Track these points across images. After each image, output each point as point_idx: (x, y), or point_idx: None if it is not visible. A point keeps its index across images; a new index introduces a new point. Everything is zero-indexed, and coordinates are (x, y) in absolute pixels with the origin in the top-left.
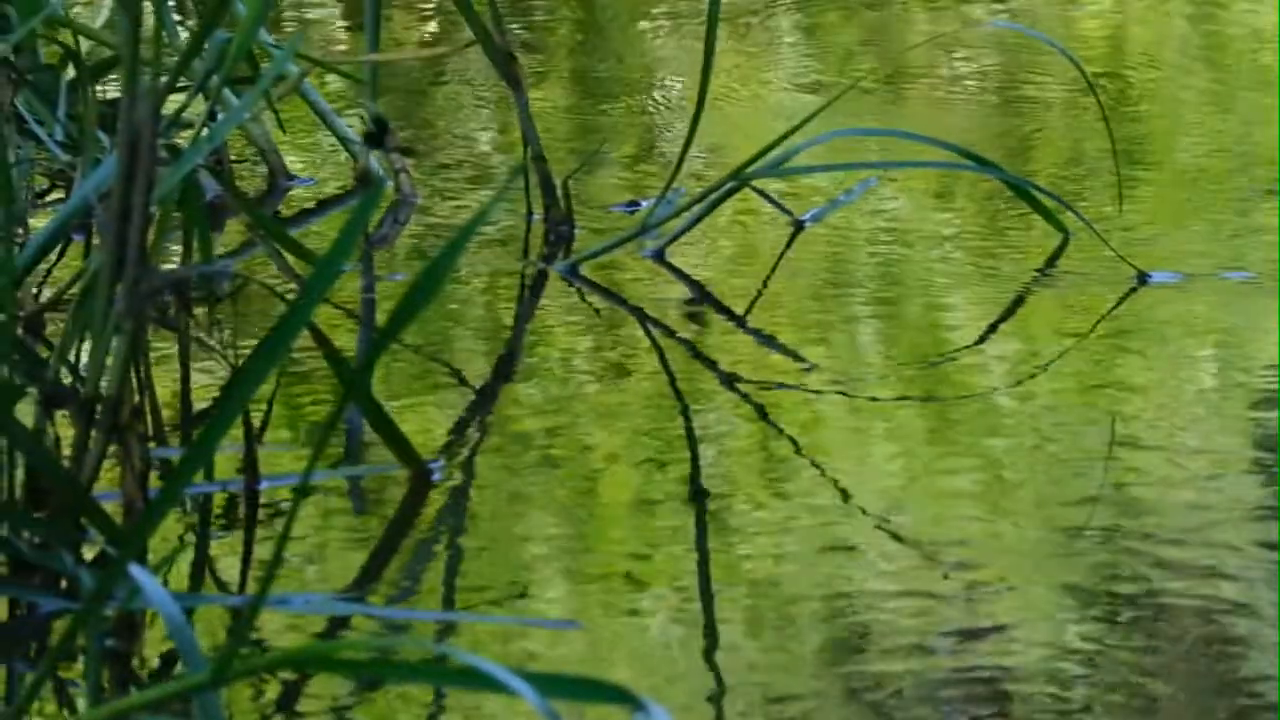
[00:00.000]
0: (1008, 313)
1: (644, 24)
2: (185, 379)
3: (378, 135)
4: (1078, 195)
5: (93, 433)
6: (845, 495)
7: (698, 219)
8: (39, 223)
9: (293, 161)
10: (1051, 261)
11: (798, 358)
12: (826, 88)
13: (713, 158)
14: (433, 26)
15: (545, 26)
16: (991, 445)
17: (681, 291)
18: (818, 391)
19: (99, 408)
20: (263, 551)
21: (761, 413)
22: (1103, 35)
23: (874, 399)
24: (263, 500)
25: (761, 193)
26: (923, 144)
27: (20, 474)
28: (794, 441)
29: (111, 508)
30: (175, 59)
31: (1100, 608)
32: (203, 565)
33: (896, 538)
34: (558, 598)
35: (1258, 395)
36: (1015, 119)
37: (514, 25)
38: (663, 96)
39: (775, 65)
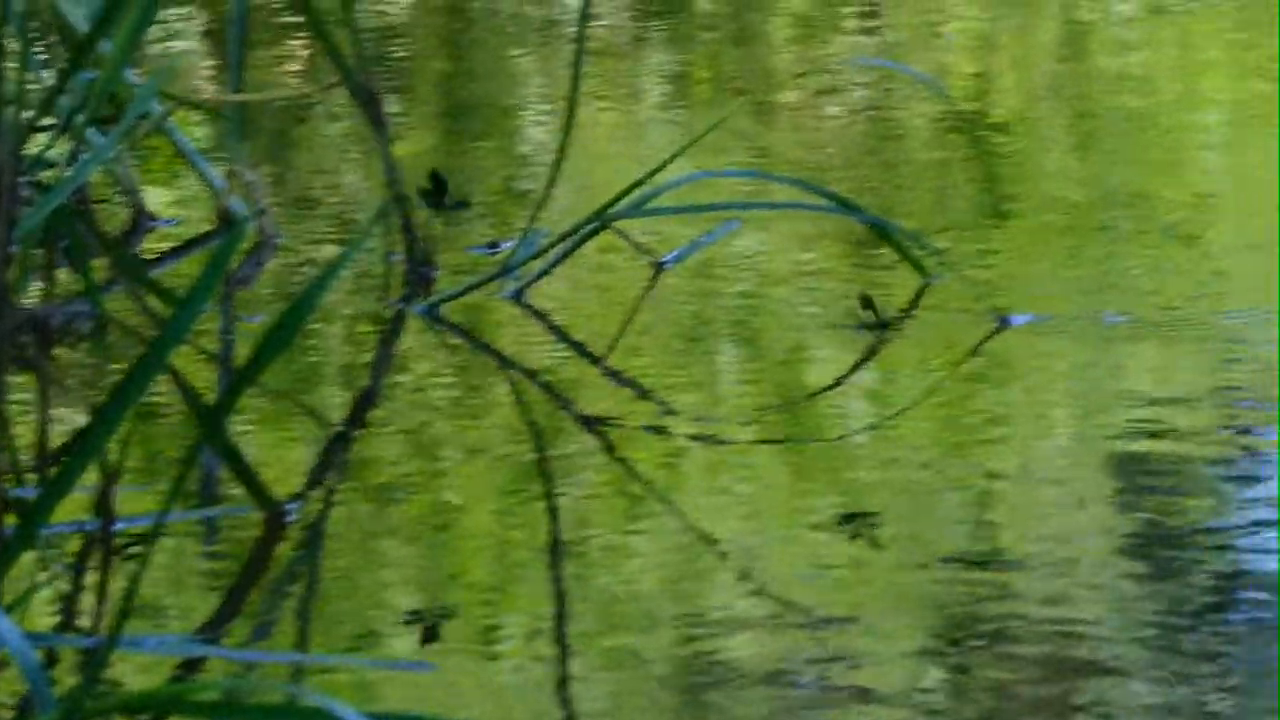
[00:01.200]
0: (868, 354)
1: (511, 64)
2: (44, 419)
3: (435, 192)
4: (941, 237)
5: None
6: (703, 536)
7: (558, 261)
8: None
9: (156, 201)
10: (913, 303)
11: (657, 400)
12: (693, 127)
13: (578, 197)
14: (298, 66)
15: (412, 66)
16: (852, 485)
17: (542, 332)
18: (678, 433)
19: None
20: (119, 591)
21: (619, 455)
22: (970, 75)
23: (733, 441)
24: (119, 540)
25: (623, 234)
26: (787, 185)
27: None
28: (652, 483)
29: None
30: (39, 98)
31: (959, 644)
32: (58, 605)
33: (754, 579)
34: (412, 639)
35: (1116, 434)
36: (881, 158)
37: (380, 65)
38: (529, 136)
39: (643, 105)
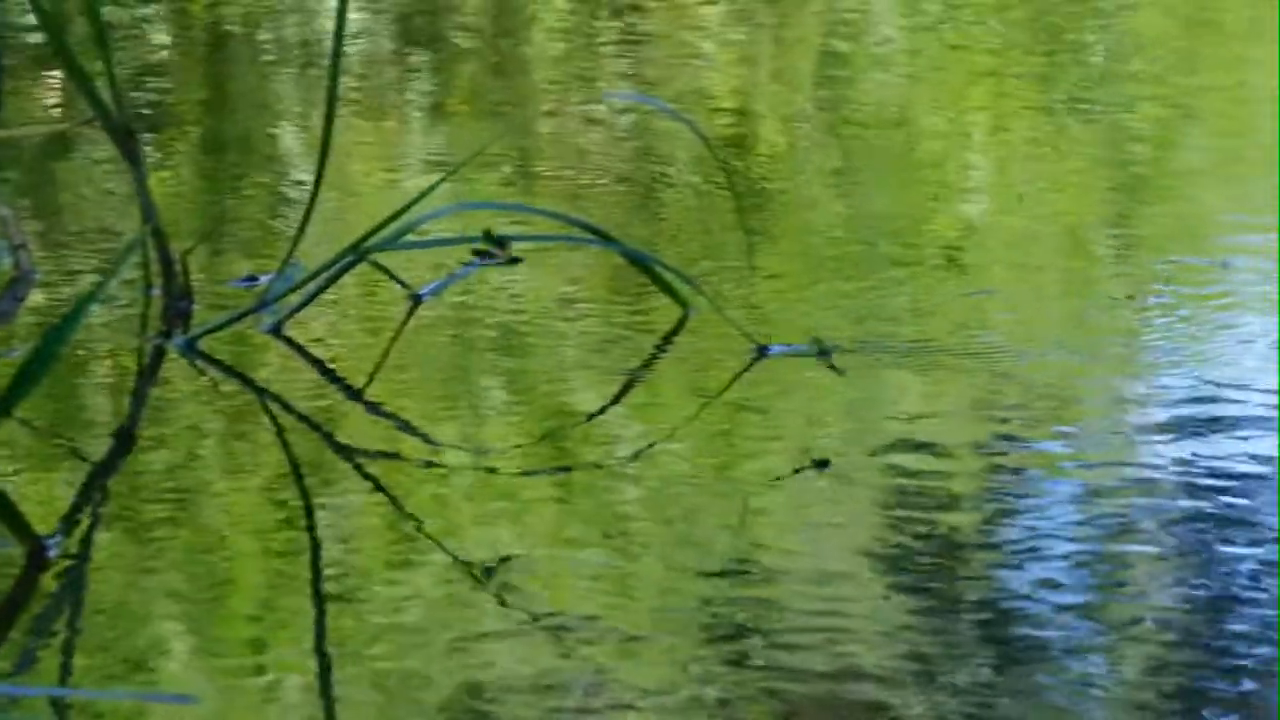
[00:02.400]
0: (629, 385)
1: (273, 96)
2: None
3: (496, 245)
4: (702, 269)
5: None
6: (468, 567)
7: (316, 293)
8: None
9: None
10: (673, 334)
11: (418, 432)
12: (452, 158)
13: (339, 230)
14: (56, 100)
15: (172, 100)
16: (615, 515)
17: (302, 366)
18: (439, 465)
19: None
20: None
21: (382, 488)
22: (733, 107)
23: (496, 470)
24: None
25: (380, 266)
26: (546, 218)
27: None
28: (415, 516)
29: None
30: None
31: (726, 671)
32: None
33: (521, 609)
34: (178, 672)
35: (876, 463)
36: (643, 192)
37: (138, 99)
38: (289, 170)
39: (406, 138)
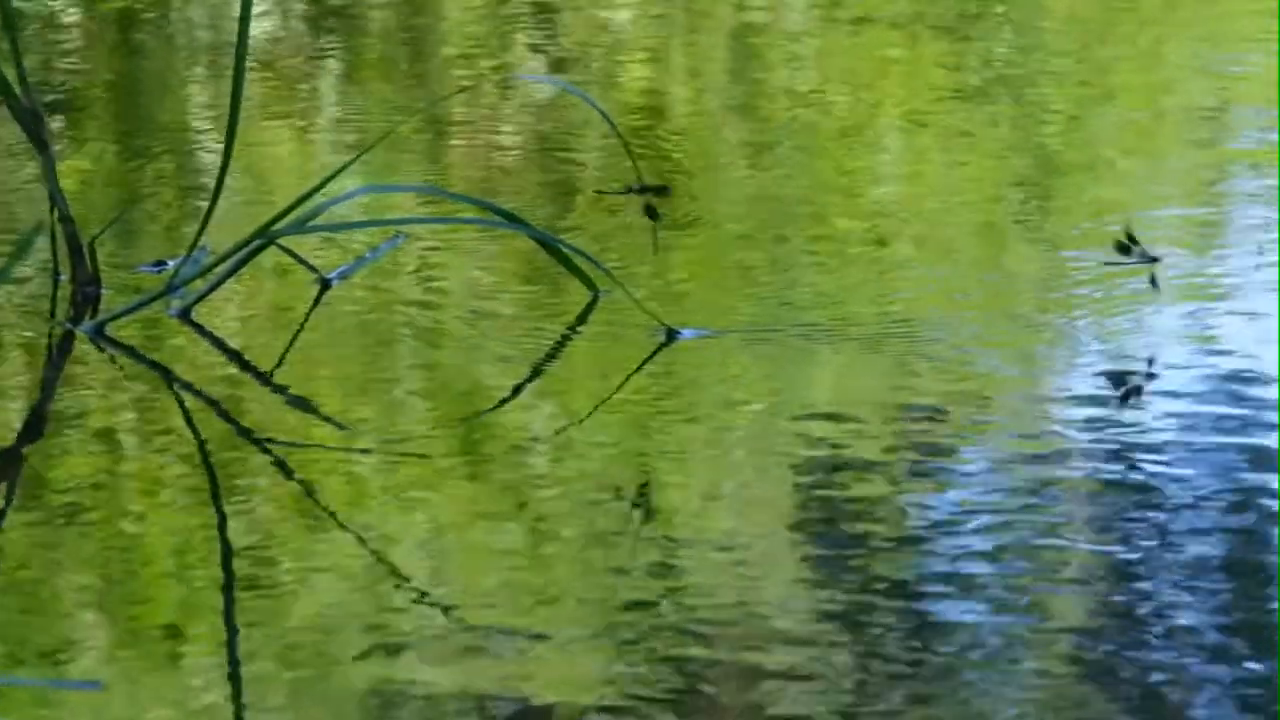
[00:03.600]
0: (538, 369)
1: (184, 83)
2: None
3: (1128, 245)
4: (612, 251)
5: None
6: (380, 558)
7: (224, 278)
8: None
9: None
10: (583, 318)
11: (328, 418)
12: (366, 141)
13: (249, 213)
14: None
15: (79, 85)
16: (529, 500)
17: (210, 351)
18: (351, 450)
19: None
20: None
21: (293, 474)
22: (645, 88)
23: (409, 456)
24: None
25: (288, 250)
26: (456, 200)
27: None
28: (325, 503)
29: None
30: None
31: (640, 662)
32: None
33: (435, 603)
34: (91, 660)
35: (790, 450)
36: (555, 174)
37: (46, 84)
38: (201, 154)
39: (316, 118)
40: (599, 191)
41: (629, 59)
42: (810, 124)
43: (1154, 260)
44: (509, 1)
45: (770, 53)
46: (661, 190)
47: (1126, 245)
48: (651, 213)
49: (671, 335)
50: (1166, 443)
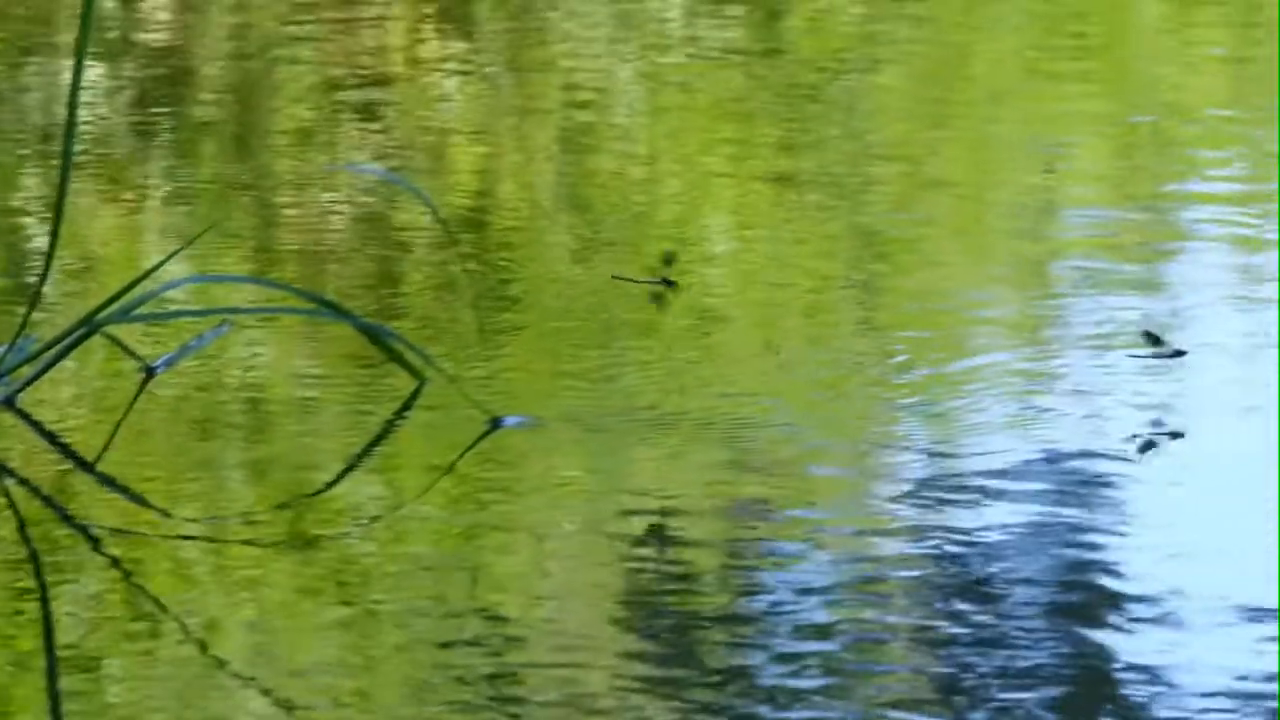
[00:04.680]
0: (361, 456)
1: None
2: None
3: (1156, 339)
4: (440, 341)
5: None
6: (204, 647)
7: (49, 366)
8: None
9: None
10: (407, 406)
11: (152, 505)
12: (194, 228)
13: (77, 299)
14: None
15: None
16: (351, 585)
17: (35, 439)
18: (174, 536)
19: None
20: None
21: (116, 560)
22: (474, 175)
23: (232, 542)
24: None
25: (114, 339)
26: (283, 292)
27: None
28: (147, 588)
29: None
30: None
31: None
32: None
33: (261, 687)
34: None
35: (609, 532)
36: (385, 263)
37: None
38: (26, 240)
39: (145, 205)
40: (616, 278)
41: (459, 148)
42: (639, 211)
43: (1180, 354)
44: (339, 92)
45: (599, 141)
46: (671, 284)
47: (1155, 338)
48: (658, 298)
49: (495, 423)
50: (997, 542)
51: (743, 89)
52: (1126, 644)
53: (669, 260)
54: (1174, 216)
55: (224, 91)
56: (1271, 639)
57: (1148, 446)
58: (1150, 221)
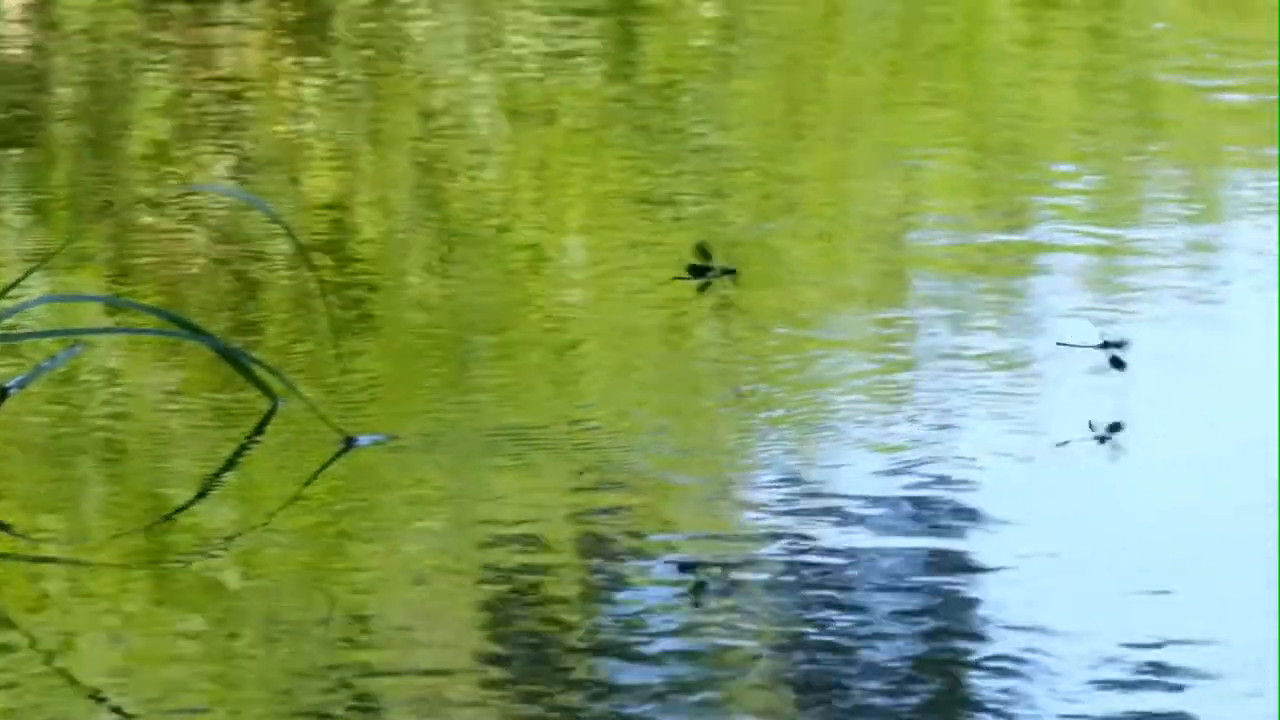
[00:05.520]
0: (217, 476)
1: None
2: None
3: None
4: (296, 361)
5: None
6: (63, 673)
7: None
8: None
9: None
10: (263, 426)
11: (5, 526)
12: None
13: None
14: None
15: None
16: (212, 605)
17: None
18: (30, 558)
19: None
20: None
21: None
22: (331, 194)
23: (91, 563)
24: None
25: None
26: (140, 312)
27: None
28: (3, 611)
29: None
30: None
31: None
32: None
33: (121, 713)
34: None
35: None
36: (241, 284)
37: None
38: None
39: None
40: (676, 278)
41: (316, 168)
42: (495, 235)
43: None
44: (195, 111)
45: (455, 159)
46: (730, 272)
47: (1109, 345)
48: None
49: (349, 442)
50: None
51: (598, 107)
52: (984, 649)
53: (705, 253)
54: (1028, 229)
55: (80, 110)
56: (1132, 644)
57: (1104, 439)
58: (1005, 235)
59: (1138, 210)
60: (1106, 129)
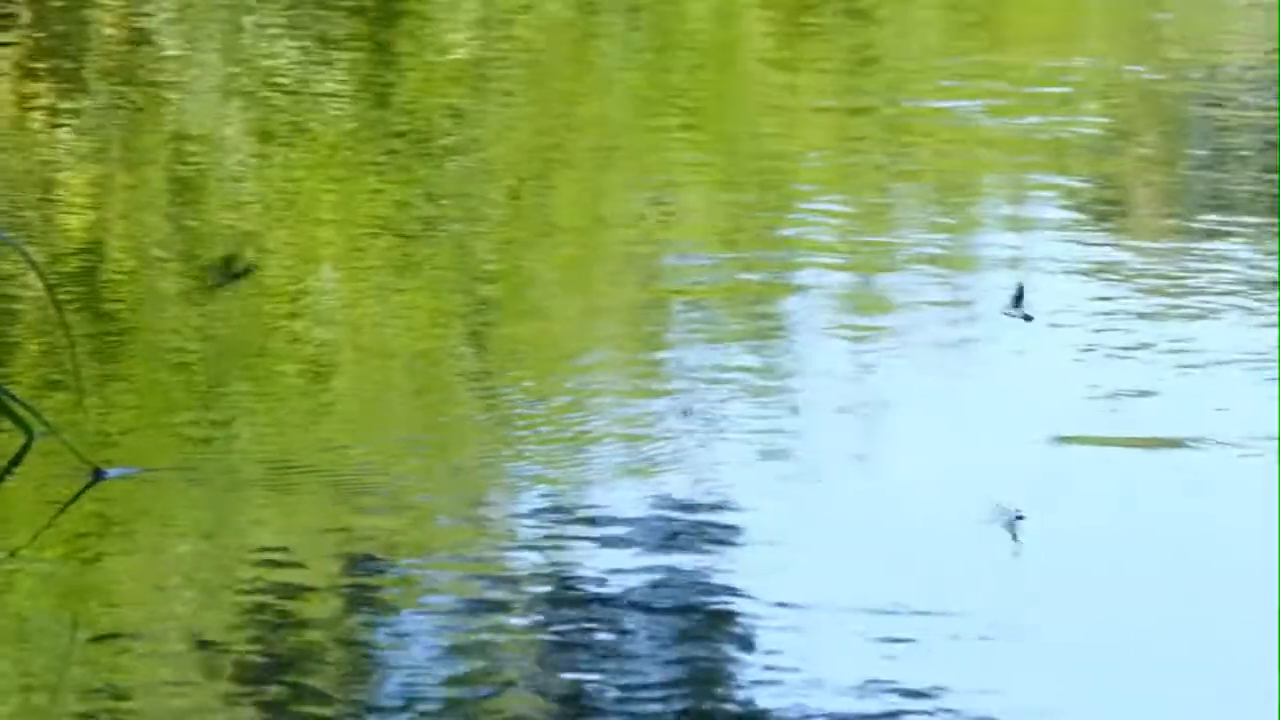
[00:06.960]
0: None
1: None
2: None
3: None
4: (50, 394)
5: None
6: None
7: None
8: None
9: None
10: (17, 459)
11: None
12: None
13: None
14: None
15: None
16: None
17: None
18: None
19: None
20: None
21: None
22: (82, 227)
23: None
24: None
25: None
26: None
27: None
28: None
29: None
30: None
31: None
32: None
33: None
34: None
35: (219, 572)
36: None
37: None
38: None
39: None
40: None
41: (67, 200)
42: (247, 261)
43: (1029, 318)
44: None
45: (208, 190)
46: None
47: (1018, 298)
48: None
49: (98, 475)
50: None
51: (352, 136)
52: (746, 655)
53: (231, 264)
54: (780, 258)
55: None
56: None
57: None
58: (756, 264)
59: (890, 232)
60: (860, 155)
